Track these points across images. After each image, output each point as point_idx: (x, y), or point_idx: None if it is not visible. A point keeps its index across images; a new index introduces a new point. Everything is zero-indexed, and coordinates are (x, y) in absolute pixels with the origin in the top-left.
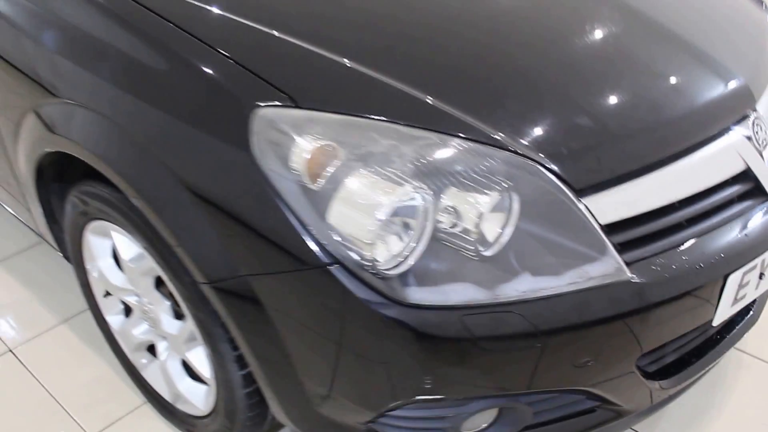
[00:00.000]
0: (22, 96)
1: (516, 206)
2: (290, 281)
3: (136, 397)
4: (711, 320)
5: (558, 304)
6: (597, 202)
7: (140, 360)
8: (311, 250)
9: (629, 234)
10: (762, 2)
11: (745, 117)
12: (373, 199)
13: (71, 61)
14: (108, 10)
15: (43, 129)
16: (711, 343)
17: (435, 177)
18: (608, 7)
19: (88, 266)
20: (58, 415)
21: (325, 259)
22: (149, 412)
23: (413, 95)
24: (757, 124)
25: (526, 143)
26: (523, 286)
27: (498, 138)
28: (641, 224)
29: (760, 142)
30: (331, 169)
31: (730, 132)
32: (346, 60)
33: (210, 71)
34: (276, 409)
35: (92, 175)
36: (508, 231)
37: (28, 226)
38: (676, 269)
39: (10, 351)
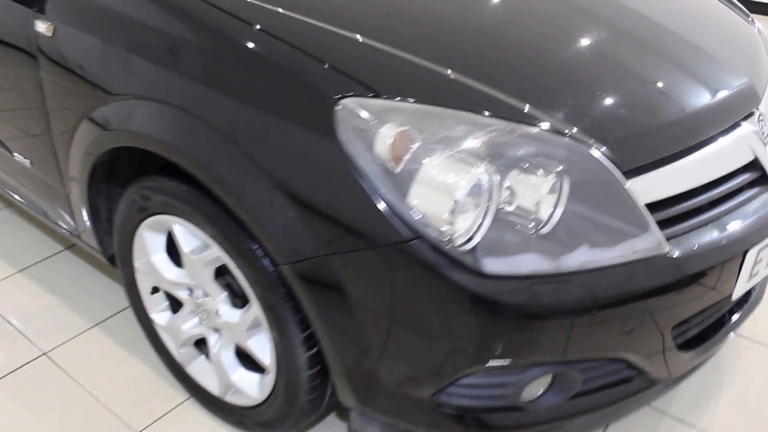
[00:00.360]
0: (79, 100)
1: (566, 188)
2: (371, 258)
3: (179, 393)
4: (731, 294)
5: (610, 275)
6: (639, 183)
7: (187, 355)
8: (393, 227)
9: (664, 213)
10: (748, 14)
11: (751, 114)
12: (449, 180)
13: (147, 60)
14: (191, 15)
15: (100, 130)
16: (724, 319)
17: (501, 160)
18: (634, 18)
19: (136, 264)
20: (101, 414)
21: (406, 235)
22: (194, 408)
23: (479, 88)
24: (761, 120)
25: (579, 130)
26: (581, 258)
27: (554, 125)
28: (673, 205)
29: (764, 136)
30: (411, 153)
31: (740, 126)
32: (418, 58)
33: (294, 68)
34: (343, 389)
35: (150, 171)
36: (559, 211)
37: (67, 231)
38: (705, 245)
39: (45, 354)
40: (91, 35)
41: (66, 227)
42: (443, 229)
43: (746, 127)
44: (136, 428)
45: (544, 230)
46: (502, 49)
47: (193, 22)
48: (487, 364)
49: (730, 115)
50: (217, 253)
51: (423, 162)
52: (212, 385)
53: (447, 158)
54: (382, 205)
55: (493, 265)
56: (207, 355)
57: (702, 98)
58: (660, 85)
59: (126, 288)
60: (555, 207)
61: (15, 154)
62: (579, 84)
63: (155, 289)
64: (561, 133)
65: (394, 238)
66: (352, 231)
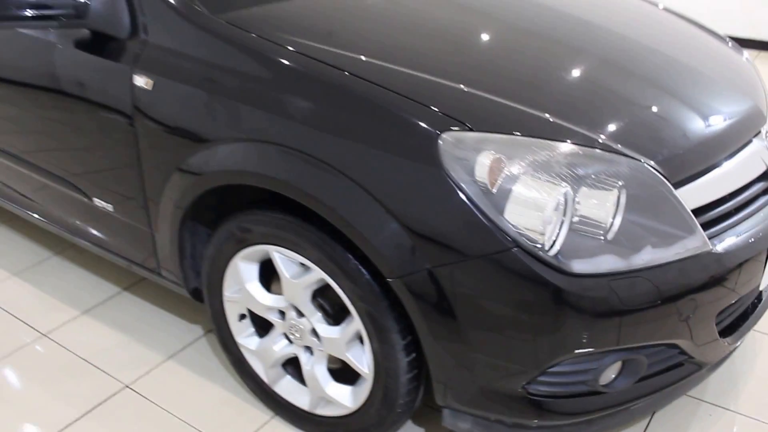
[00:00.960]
0: (175, 148)
1: (623, 200)
2: (473, 266)
3: (263, 413)
4: (759, 285)
5: (669, 271)
6: (683, 192)
7: (275, 375)
8: (494, 238)
9: (705, 217)
10: (738, 47)
11: (758, 132)
12: (538, 197)
13: (254, 107)
14: (299, 69)
15: (195, 175)
16: (750, 309)
17: (574, 179)
18: (658, 57)
19: (226, 293)
20: None
21: (505, 245)
22: (280, 425)
23: (552, 120)
24: (766, 137)
25: (635, 151)
26: (646, 257)
27: (615, 147)
28: (709, 210)
29: None
30: (504, 176)
31: (752, 143)
32: (500, 98)
33: (398, 110)
34: (439, 389)
35: (235, 208)
36: (619, 219)
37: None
38: (738, 243)
39: (127, 387)
40: (194, 87)
41: (147, 265)
42: (535, 238)
43: (756, 143)
44: None
45: (609, 236)
46: (565, 87)
47: (301, 74)
48: (575, 352)
49: (745, 133)
50: (320, 276)
51: (515, 183)
52: (302, 401)
53: (534, 179)
54: (483, 221)
55: (578, 265)
56: (292, 374)
57: (724, 120)
58: (691, 111)
59: (213, 317)
60: (615, 216)
61: (95, 199)
62: (632, 113)
63: (242, 316)
64: (622, 154)
65: (495, 248)
66: (456, 245)
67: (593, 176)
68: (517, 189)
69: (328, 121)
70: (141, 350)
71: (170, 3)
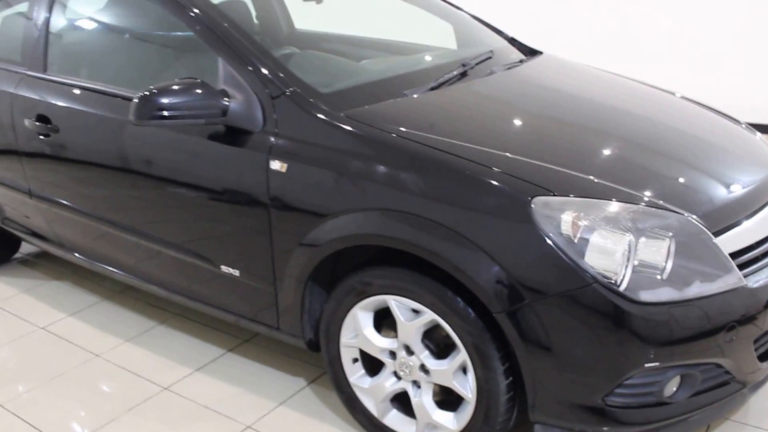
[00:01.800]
0: (303, 221)
1: (673, 247)
2: (562, 299)
3: None
4: None
5: (715, 301)
6: (721, 240)
7: (384, 409)
8: (578, 277)
9: (739, 259)
10: (753, 129)
11: None
12: (609, 245)
13: (378, 184)
14: (417, 155)
15: (320, 243)
16: None
17: (635, 230)
18: (685, 135)
19: (343, 339)
20: None
21: (587, 281)
22: None
23: (613, 186)
24: None
25: (682, 207)
26: (696, 290)
27: (666, 205)
28: (743, 254)
29: None
30: (583, 230)
31: None
32: (572, 171)
33: (497, 182)
34: (534, 405)
35: (357, 266)
36: (670, 263)
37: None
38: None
39: (249, 427)
40: (323, 168)
41: (266, 321)
42: (609, 276)
43: None
44: None
45: (664, 276)
46: (622, 162)
47: (417, 158)
48: (644, 366)
49: (763, 196)
50: (431, 317)
51: (591, 235)
52: (408, 430)
53: (605, 231)
54: (569, 264)
55: (644, 295)
56: (397, 408)
57: (747, 185)
58: (721, 179)
59: (329, 362)
60: (668, 261)
61: (222, 266)
62: (676, 180)
63: (355, 360)
64: (672, 211)
65: (579, 284)
66: (548, 283)
67: (650, 229)
68: (593, 239)
69: (441, 191)
70: (254, 398)
71: (300, 103)
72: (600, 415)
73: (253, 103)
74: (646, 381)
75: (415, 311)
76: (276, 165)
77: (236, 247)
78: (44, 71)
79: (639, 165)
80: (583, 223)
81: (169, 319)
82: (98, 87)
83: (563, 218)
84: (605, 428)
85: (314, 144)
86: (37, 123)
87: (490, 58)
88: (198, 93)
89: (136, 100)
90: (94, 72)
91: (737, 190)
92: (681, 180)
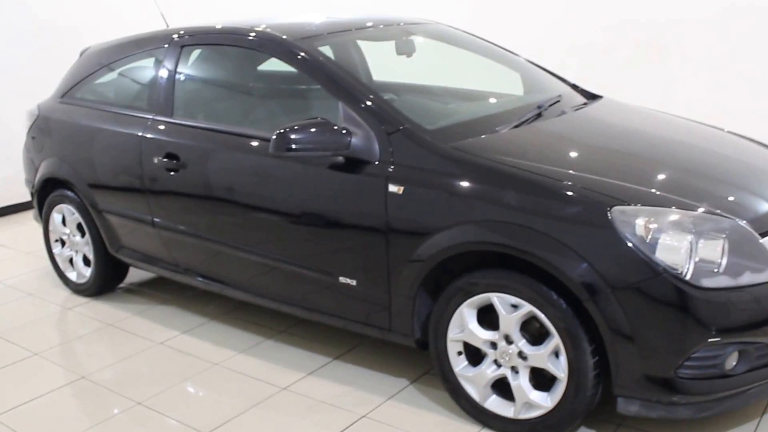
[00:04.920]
0: (418, 235)
1: (727, 246)
2: (640, 287)
3: (473, 426)
4: None
5: (763, 288)
6: (765, 240)
7: (485, 395)
8: (651, 268)
9: None
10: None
11: None
12: (675, 244)
13: (484, 201)
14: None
15: (431, 254)
16: None
17: (695, 233)
18: (740, 164)
19: (450, 335)
20: None
21: (659, 272)
22: None
23: (672, 197)
24: None
25: (733, 213)
26: (747, 279)
27: (720, 212)
28: None
29: None
30: (653, 232)
31: None
32: (642, 186)
33: (582, 197)
34: (618, 380)
35: (461, 270)
36: (725, 259)
37: (377, 327)
38: None
39: (365, 417)
40: (435, 189)
41: (379, 324)
42: (676, 268)
43: None
44: None
45: (721, 270)
46: (681, 179)
47: (516, 179)
48: (709, 340)
49: None
50: (529, 309)
51: (660, 236)
52: (507, 411)
53: (671, 233)
54: (643, 259)
55: (705, 283)
56: (496, 393)
57: None
58: (760, 187)
59: (436, 356)
60: (723, 257)
61: (341, 278)
62: (728, 194)
63: (459, 352)
64: (725, 216)
65: (652, 275)
66: (626, 274)
67: (707, 231)
68: (662, 240)
69: (536, 205)
70: (365, 395)
71: (412, 138)
72: (672, 386)
73: (371, 138)
74: (709, 355)
75: (514, 306)
76: (393, 188)
77: (354, 260)
78: (171, 116)
79: (695, 183)
80: (653, 226)
81: (276, 335)
82: (222, 128)
83: (637, 223)
84: (677, 397)
85: (427, 170)
86: (165, 160)
87: (558, 101)
88: (327, 130)
89: (274, 137)
90: (217, 115)
91: None
92: (731, 194)
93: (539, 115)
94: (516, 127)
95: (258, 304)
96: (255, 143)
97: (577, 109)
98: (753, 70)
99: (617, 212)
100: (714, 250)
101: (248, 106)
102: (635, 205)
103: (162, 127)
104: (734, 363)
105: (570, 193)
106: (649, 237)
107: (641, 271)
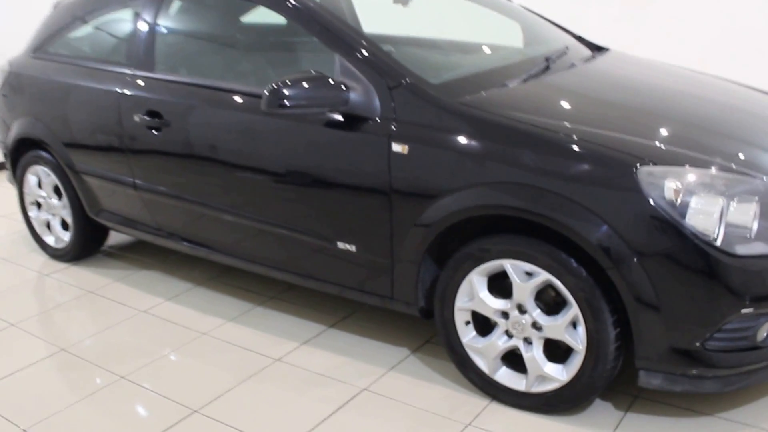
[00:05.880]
0: (424, 198)
1: (758, 209)
2: (667, 254)
3: (481, 399)
4: None
5: None
6: None
7: (494, 367)
8: (681, 235)
9: None
10: None
11: None
12: (706, 208)
13: (497, 162)
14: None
15: (437, 218)
16: None
17: (727, 195)
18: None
19: (458, 304)
20: (433, 419)
21: (690, 238)
22: (498, 407)
23: (707, 158)
24: None
25: (762, 172)
26: None
27: (751, 172)
28: None
29: None
30: (683, 195)
31: None
32: (667, 145)
33: (605, 155)
34: (639, 352)
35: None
36: (756, 223)
37: (378, 295)
38: None
39: (366, 390)
40: (445, 149)
41: (380, 292)
42: (708, 233)
43: None
44: (464, 422)
45: (752, 235)
46: (711, 139)
47: (533, 138)
48: (741, 312)
49: None
50: (545, 278)
51: (691, 199)
52: (518, 384)
53: (702, 196)
54: (673, 224)
55: (740, 250)
56: (506, 365)
57: None
58: None
59: (442, 326)
60: (753, 222)
61: (339, 243)
62: (756, 152)
63: (467, 322)
64: (757, 177)
65: (682, 241)
66: (654, 241)
67: (739, 193)
68: (693, 203)
69: (555, 165)
70: (364, 366)
71: (417, 93)
72: (699, 359)
73: (371, 93)
74: (741, 326)
75: (528, 273)
76: (398, 147)
77: (354, 225)
78: (152, 70)
79: (719, 141)
80: (683, 188)
81: (265, 302)
82: (207, 83)
83: (666, 184)
84: (703, 370)
85: (434, 128)
86: (147, 118)
87: (566, 53)
88: (323, 84)
89: (266, 92)
90: (202, 70)
91: None
92: (757, 153)
93: (547, 68)
94: (525, 81)
95: (247, 270)
96: (244, 99)
97: (586, 62)
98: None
99: (644, 173)
100: (746, 213)
101: (235, 60)
102: (663, 165)
103: (142, 82)
104: (765, 335)
105: (592, 152)
106: (679, 200)
107: (670, 236)
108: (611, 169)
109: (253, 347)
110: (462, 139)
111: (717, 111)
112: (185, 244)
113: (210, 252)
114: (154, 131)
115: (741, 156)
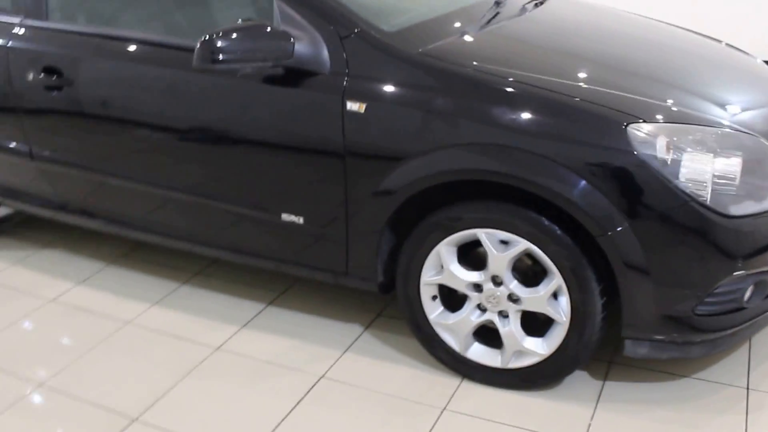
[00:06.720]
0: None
1: (747, 166)
2: (660, 217)
3: (453, 378)
4: None
5: None
6: None
7: (466, 343)
8: (677, 195)
9: None
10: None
11: None
12: (699, 166)
13: (470, 120)
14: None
15: (402, 182)
16: None
17: (717, 151)
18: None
19: (425, 277)
20: (403, 404)
21: (684, 199)
22: (472, 385)
23: (695, 114)
24: None
25: (749, 128)
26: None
27: (739, 127)
28: None
29: None
30: (674, 152)
31: None
32: (644, 97)
33: (593, 112)
34: (628, 321)
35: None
36: (746, 179)
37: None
38: None
39: (323, 377)
40: (409, 107)
41: (333, 269)
42: (700, 193)
43: None
44: (439, 406)
45: (741, 191)
46: (680, 88)
47: (508, 93)
48: (734, 274)
49: None
50: (525, 246)
51: (683, 157)
52: (494, 361)
53: (694, 153)
54: (667, 185)
55: (733, 210)
56: (479, 341)
57: None
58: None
59: (405, 303)
60: (742, 176)
61: (283, 215)
62: (731, 101)
63: (434, 297)
64: (743, 132)
65: (676, 203)
66: (647, 203)
67: (728, 148)
68: (685, 161)
69: (536, 123)
70: (316, 348)
71: (372, 42)
72: (689, 324)
73: (319, 44)
74: (731, 288)
75: (504, 242)
76: (353, 106)
77: (301, 194)
78: (46, 18)
79: (701, 93)
80: (675, 146)
81: (190, 279)
82: (117, 33)
83: (658, 143)
84: (691, 336)
85: (396, 83)
86: (43, 75)
87: None
88: (262, 34)
89: (198, 46)
90: (108, 17)
91: None
92: (734, 104)
93: (497, 14)
94: (483, 28)
95: (171, 247)
96: (166, 52)
97: (537, 5)
98: None
99: (634, 130)
100: (735, 169)
101: (154, 5)
102: (653, 122)
103: (35, 33)
104: (750, 294)
105: (578, 109)
106: (671, 159)
107: (662, 197)
108: (600, 127)
109: (188, 335)
110: (429, 96)
111: (688, 62)
112: (96, 221)
113: (125, 229)
114: (53, 91)
115: (722, 110)
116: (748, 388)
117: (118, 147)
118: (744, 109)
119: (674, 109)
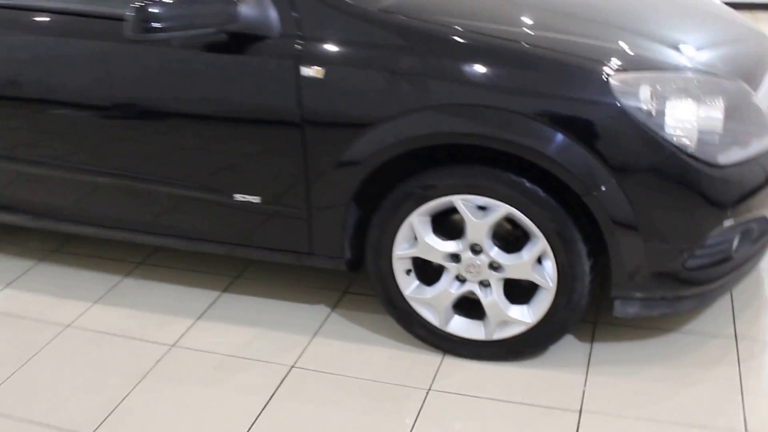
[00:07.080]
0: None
1: (732, 112)
2: (646, 171)
3: (436, 355)
4: None
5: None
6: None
7: (446, 317)
8: (663, 147)
9: None
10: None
11: None
12: (683, 115)
13: (441, 80)
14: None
15: (370, 152)
16: None
17: (700, 98)
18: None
19: (398, 251)
20: (384, 389)
21: (671, 150)
22: (455, 361)
23: (675, 62)
24: None
25: (731, 73)
26: (755, 148)
27: (719, 74)
28: None
29: None
30: (658, 101)
31: None
32: (624, 46)
33: (571, 64)
34: (617, 281)
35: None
36: (729, 124)
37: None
38: None
39: (294, 367)
40: (372, 70)
41: (296, 248)
42: (687, 143)
43: None
44: (423, 387)
45: (725, 138)
46: (655, 36)
47: (480, 48)
48: (724, 224)
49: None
50: (506, 211)
51: (666, 106)
52: (477, 334)
53: (678, 101)
54: (652, 136)
55: (721, 159)
56: (459, 314)
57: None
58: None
59: (377, 279)
60: (726, 122)
61: (236, 195)
62: (720, 53)
63: (408, 271)
64: (726, 78)
65: (663, 155)
66: (633, 156)
67: (711, 94)
68: (669, 111)
69: (511, 79)
70: (282, 336)
71: (327, 1)
72: (679, 279)
73: (265, 4)
74: (721, 239)
75: (482, 208)
76: (309, 71)
77: (255, 171)
78: None
79: (673, 39)
80: (658, 95)
81: (133, 271)
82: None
83: (641, 92)
84: (682, 290)
85: (355, 43)
86: None
87: None
88: None
89: (131, 13)
90: None
91: (755, 59)
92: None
93: None
94: None
95: (110, 239)
96: (94, 22)
97: None
98: None
99: (617, 81)
100: (718, 115)
101: None
102: (635, 71)
103: None
104: (737, 243)
105: (556, 61)
106: (655, 109)
107: (651, 151)
108: (580, 78)
109: (137, 334)
110: (394, 55)
111: (662, 10)
112: (23, 216)
113: (57, 223)
114: None
115: (700, 56)
116: (736, 337)
117: (39, 131)
118: (710, 52)
119: (652, 57)
